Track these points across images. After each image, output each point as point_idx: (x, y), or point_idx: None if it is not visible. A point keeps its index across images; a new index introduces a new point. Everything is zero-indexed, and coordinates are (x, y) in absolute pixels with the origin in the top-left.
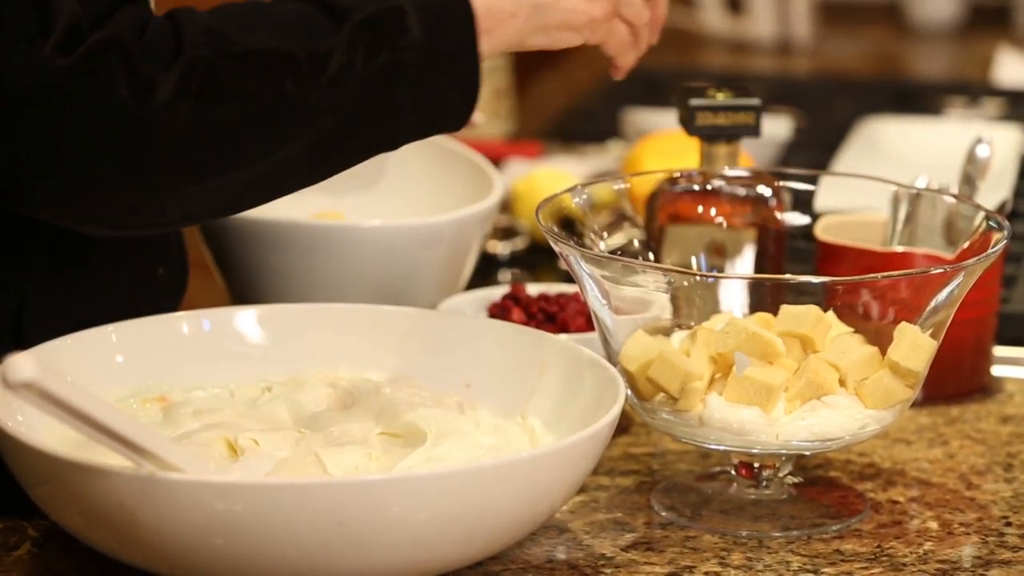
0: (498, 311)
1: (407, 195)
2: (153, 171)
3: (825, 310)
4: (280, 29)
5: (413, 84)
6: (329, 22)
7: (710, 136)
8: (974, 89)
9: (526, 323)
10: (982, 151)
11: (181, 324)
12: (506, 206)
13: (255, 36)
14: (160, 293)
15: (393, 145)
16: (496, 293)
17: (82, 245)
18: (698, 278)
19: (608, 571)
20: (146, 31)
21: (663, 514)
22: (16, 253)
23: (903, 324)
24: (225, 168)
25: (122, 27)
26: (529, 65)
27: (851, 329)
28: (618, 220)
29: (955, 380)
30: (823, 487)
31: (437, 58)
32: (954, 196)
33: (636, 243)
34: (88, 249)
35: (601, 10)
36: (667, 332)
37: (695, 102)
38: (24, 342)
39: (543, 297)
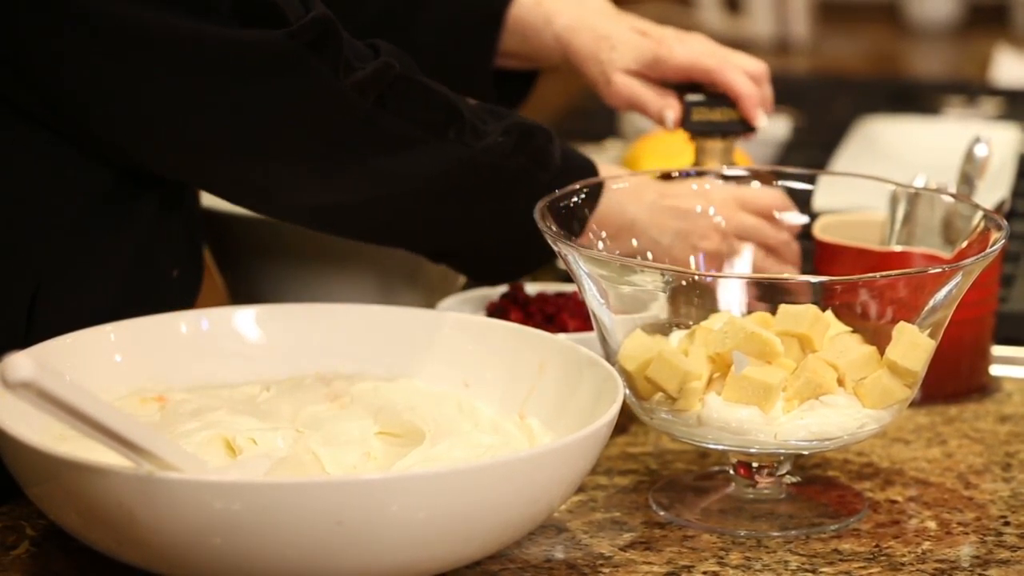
0: (496, 311)
1: None
2: (327, 143)
3: (824, 309)
4: (453, 93)
5: (534, 196)
6: (490, 113)
7: (704, 132)
8: (972, 88)
9: (524, 323)
10: (980, 150)
11: (179, 323)
12: None
13: (434, 82)
14: (174, 294)
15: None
16: (494, 293)
17: (100, 238)
18: (696, 277)
19: (606, 571)
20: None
21: (661, 514)
22: (36, 238)
23: (901, 324)
24: (367, 172)
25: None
26: None
27: (849, 328)
28: None
29: (953, 379)
30: (821, 486)
31: (564, 183)
32: (952, 195)
33: (634, 242)
34: (106, 242)
35: (706, 240)
36: (665, 331)
37: (690, 98)
38: (35, 330)
39: (541, 297)
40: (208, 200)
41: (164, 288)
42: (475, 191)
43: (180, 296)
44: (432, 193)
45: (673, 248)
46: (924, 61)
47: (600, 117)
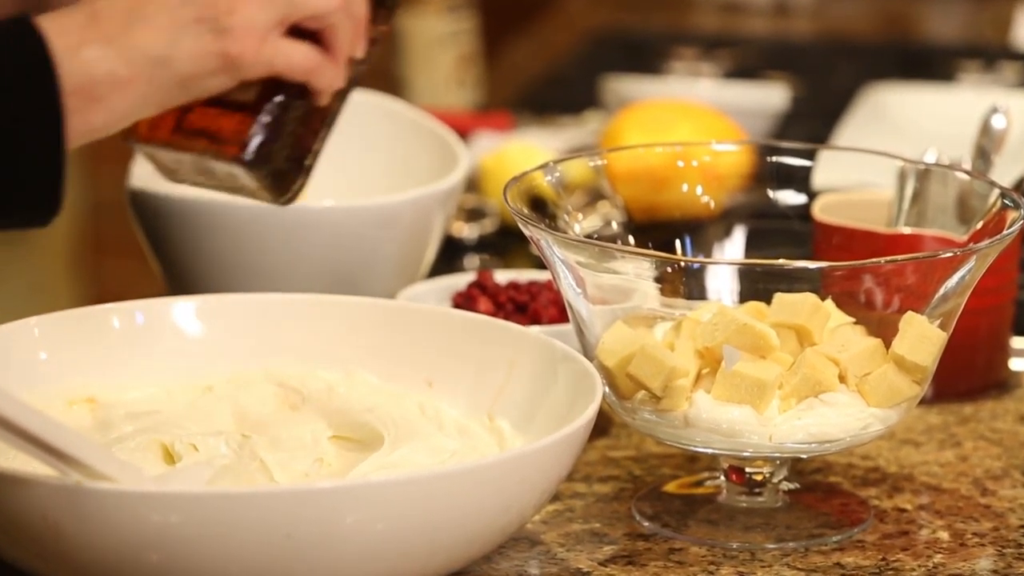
0: (463, 301)
1: (364, 172)
2: None
3: (823, 298)
4: None
5: None
6: None
7: None
8: (991, 53)
9: (494, 314)
10: (998, 122)
11: (111, 317)
12: (473, 184)
13: None
14: None
15: None
16: (461, 281)
17: None
18: (683, 263)
19: None
20: None
21: (645, 524)
22: None
23: (909, 314)
24: None
25: None
26: (499, 28)
27: (852, 319)
28: (595, 200)
29: (968, 375)
30: (822, 494)
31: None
32: (966, 172)
33: (615, 226)
34: None
35: (239, 38)
36: (649, 323)
37: None
38: None
39: (513, 285)
40: (138, 180)
41: None
42: None
43: None
44: None
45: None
46: (937, 23)
47: (579, 87)
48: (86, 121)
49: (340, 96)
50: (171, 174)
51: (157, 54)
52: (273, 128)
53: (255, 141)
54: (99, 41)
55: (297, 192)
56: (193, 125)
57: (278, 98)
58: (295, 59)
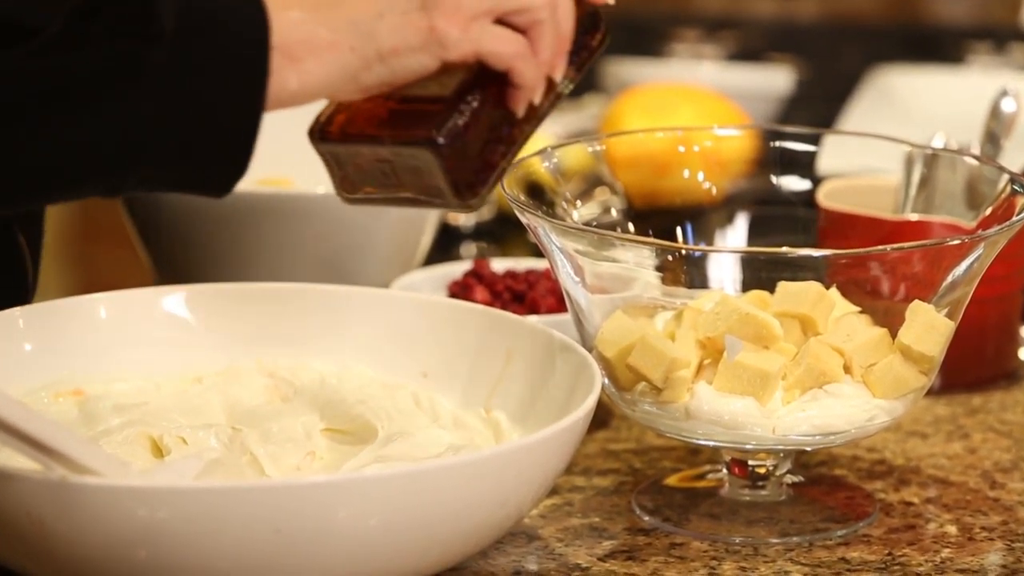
0: (459, 290)
1: None
2: None
3: (828, 287)
4: None
5: (160, 100)
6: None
7: None
8: (1001, 34)
9: (491, 304)
10: (1008, 105)
11: (98, 307)
12: None
13: None
14: None
15: (106, 183)
16: (457, 270)
17: None
18: (684, 251)
19: None
20: None
21: (646, 519)
22: None
23: (916, 302)
24: None
25: None
26: None
27: (857, 308)
28: (593, 187)
29: (977, 365)
30: (827, 487)
31: (207, 77)
32: (975, 157)
33: (614, 213)
34: None
35: (444, 16)
36: (649, 313)
37: None
38: None
39: (510, 274)
40: None
41: None
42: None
43: None
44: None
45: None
46: (946, 4)
47: None
48: (282, 81)
49: (533, 115)
50: (349, 185)
51: (362, 22)
52: (468, 120)
53: (449, 123)
54: (305, 5)
55: (483, 198)
56: (383, 117)
57: (475, 95)
58: (502, 42)
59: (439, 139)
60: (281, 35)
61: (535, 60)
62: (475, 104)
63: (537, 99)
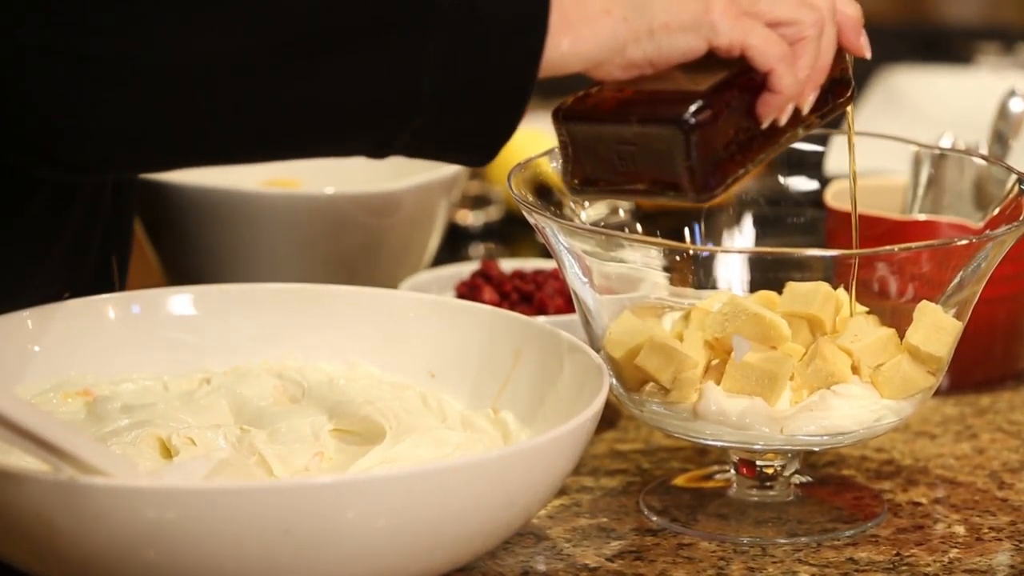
0: (467, 290)
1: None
2: None
3: (836, 287)
4: None
5: (437, 51)
6: None
7: None
8: (1010, 34)
9: (499, 304)
10: (1016, 105)
11: (107, 308)
12: (477, 171)
13: None
14: None
15: (380, 134)
16: (465, 270)
17: None
18: (692, 252)
19: None
20: None
21: (654, 519)
22: None
23: (924, 303)
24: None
25: None
26: None
27: (865, 309)
28: None
29: (985, 365)
30: (834, 487)
31: (490, 27)
32: (983, 157)
33: (622, 213)
34: None
35: (721, 3)
36: (657, 313)
37: None
38: None
39: (518, 275)
40: None
41: None
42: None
43: None
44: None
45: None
46: (955, 4)
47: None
48: (555, 43)
49: (774, 137)
50: (580, 174)
51: None
52: (719, 112)
53: (702, 109)
54: None
55: (720, 193)
56: (634, 100)
57: (730, 93)
58: (770, 43)
59: (691, 119)
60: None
61: (794, 71)
62: (728, 101)
63: (783, 119)
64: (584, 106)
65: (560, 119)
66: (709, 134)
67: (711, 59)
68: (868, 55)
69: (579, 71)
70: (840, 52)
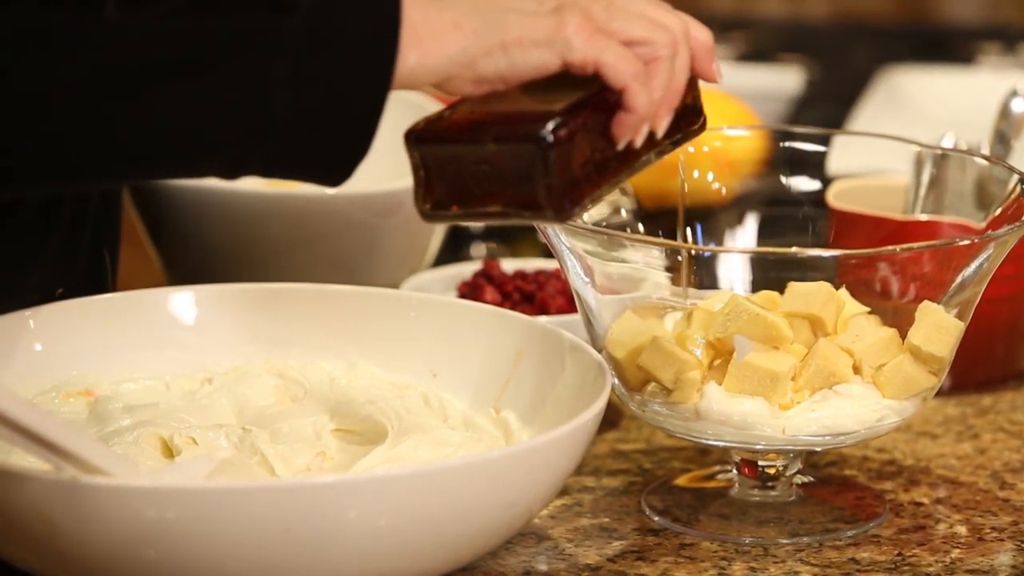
0: (469, 290)
1: (369, 157)
2: None
3: (837, 287)
4: None
5: (290, 73)
6: None
7: None
8: (1011, 34)
9: (500, 304)
10: (1018, 105)
11: (108, 308)
12: None
13: None
14: None
15: (231, 157)
16: (467, 270)
17: None
18: (694, 252)
19: None
20: None
21: (655, 519)
22: None
23: (925, 303)
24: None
25: None
26: None
27: (867, 309)
28: None
29: (986, 365)
30: (836, 487)
31: (340, 48)
32: (985, 157)
33: (624, 213)
34: None
35: (575, 20)
36: (659, 313)
37: None
38: None
39: (519, 275)
40: None
41: None
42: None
43: None
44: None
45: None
46: (956, 4)
47: None
48: (402, 58)
49: (628, 160)
50: (432, 200)
51: (490, 12)
52: (576, 129)
53: (559, 126)
54: None
55: (576, 213)
56: (489, 120)
57: (584, 113)
58: (624, 60)
59: (549, 137)
60: (407, 11)
61: (648, 90)
62: (584, 120)
63: (639, 141)
64: (437, 128)
65: (412, 142)
66: (566, 151)
67: (564, 78)
68: (720, 81)
69: (429, 85)
70: (692, 80)
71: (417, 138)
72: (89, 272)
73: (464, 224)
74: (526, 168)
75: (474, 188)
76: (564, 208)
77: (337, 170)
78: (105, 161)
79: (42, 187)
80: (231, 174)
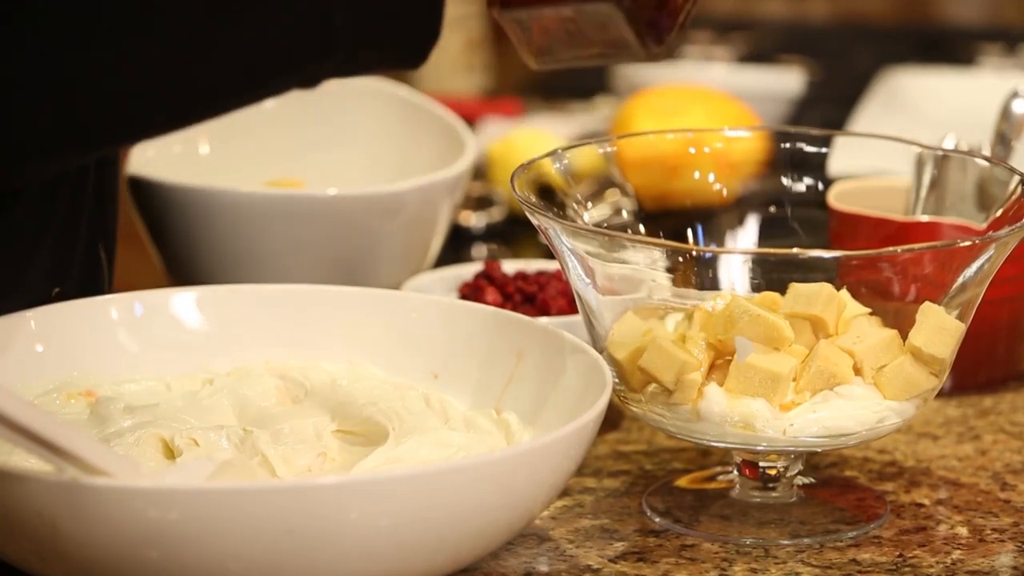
0: (470, 291)
1: (371, 159)
2: None
3: (839, 288)
4: None
5: None
6: None
7: None
8: (1012, 35)
9: (501, 305)
10: (1019, 106)
11: (109, 308)
12: (480, 172)
13: None
14: None
15: (311, 69)
16: (468, 271)
17: None
18: (695, 253)
19: None
20: None
21: (656, 520)
22: None
23: (927, 304)
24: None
25: None
26: None
27: (868, 310)
28: (604, 188)
29: (988, 366)
30: (837, 488)
31: None
32: (986, 158)
33: (625, 214)
34: None
35: None
36: (660, 314)
37: None
38: None
39: (521, 276)
40: (136, 167)
41: None
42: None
43: None
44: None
45: None
46: (957, 5)
47: (589, 72)
48: None
49: None
50: (537, 51)
51: None
52: None
53: None
54: None
55: (669, 47)
56: None
57: None
58: None
59: None
60: None
61: None
62: None
63: None
64: None
65: (498, 8)
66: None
67: None
68: None
69: None
70: None
71: (503, 4)
72: (86, 269)
73: (573, 65)
74: (609, 20)
75: (569, 39)
76: (656, 43)
77: (414, 53)
78: (188, 93)
79: (147, 131)
80: (310, 83)
